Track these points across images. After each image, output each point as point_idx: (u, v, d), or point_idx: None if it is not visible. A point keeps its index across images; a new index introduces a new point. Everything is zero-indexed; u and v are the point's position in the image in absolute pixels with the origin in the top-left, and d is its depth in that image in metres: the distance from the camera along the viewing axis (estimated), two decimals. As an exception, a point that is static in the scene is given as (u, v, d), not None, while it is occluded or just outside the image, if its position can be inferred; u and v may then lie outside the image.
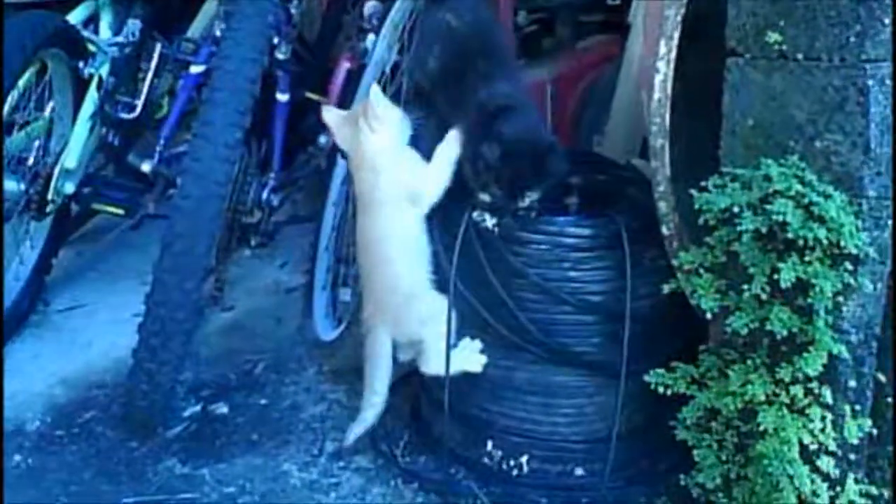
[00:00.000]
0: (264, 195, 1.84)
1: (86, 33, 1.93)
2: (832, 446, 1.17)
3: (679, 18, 1.23)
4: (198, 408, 1.68)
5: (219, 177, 1.41)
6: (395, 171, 1.38)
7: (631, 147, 1.74)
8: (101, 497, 1.46)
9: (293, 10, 1.92)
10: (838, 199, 1.08)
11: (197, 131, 1.43)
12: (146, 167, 1.76)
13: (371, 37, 1.95)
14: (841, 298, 1.12)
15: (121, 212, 1.93)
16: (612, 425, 1.38)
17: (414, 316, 1.39)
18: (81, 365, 1.84)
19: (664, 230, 1.32)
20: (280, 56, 1.87)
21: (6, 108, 1.70)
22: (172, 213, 1.41)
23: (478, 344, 1.41)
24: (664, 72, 1.26)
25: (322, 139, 2.01)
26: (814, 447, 1.16)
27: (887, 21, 1.06)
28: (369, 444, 1.56)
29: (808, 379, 1.15)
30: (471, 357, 1.41)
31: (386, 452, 1.53)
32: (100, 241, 2.32)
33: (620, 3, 2.12)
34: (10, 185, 1.80)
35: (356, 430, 1.47)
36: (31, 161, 1.88)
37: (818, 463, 1.17)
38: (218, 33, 1.83)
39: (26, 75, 1.75)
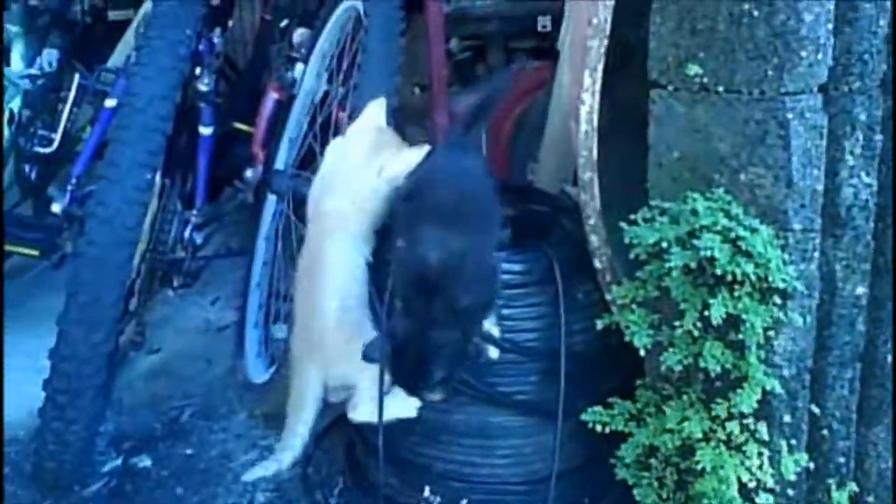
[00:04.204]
0: (187, 233, 1.76)
1: (-7, 67, 1.85)
2: (770, 483, 1.14)
3: (602, 51, 1.20)
4: (118, 461, 1.58)
5: (128, 221, 1.32)
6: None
7: (564, 174, 1.71)
8: (10, 564, 1.37)
9: (216, 40, 1.85)
10: (764, 233, 1.06)
11: (102, 173, 1.34)
12: (56, 208, 1.67)
13: (300, 66, 1.90)
14: (772, 333, 1.10)
15: (35, 253, 1.83)
16: (551, 465, 1.34)
17: (354, 358, 1.32)
18: (-8, 419, 1.73)
19: (596, 264, 1.29)
20: (203, 88, 1.80)
21: None
22: (76, 260, 1.32)
23: (408, 387, 1.35)
24: (589, 104, 1.23)
25: (249, 173, 1.94)
26: (752, 484, 1.14)
27: (804, 54, 1.05)
28: (303, 492, 1.48)
29: (744, 415, 1.13)
30: (404, 402, 1.35)
31: (320, 501, 1.47)
32: (17, 280, 2.20)
33: (550, 30, 2.12)
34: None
35: (265, 470, 1.36)
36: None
37: (757, 500, 1.15)
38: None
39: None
